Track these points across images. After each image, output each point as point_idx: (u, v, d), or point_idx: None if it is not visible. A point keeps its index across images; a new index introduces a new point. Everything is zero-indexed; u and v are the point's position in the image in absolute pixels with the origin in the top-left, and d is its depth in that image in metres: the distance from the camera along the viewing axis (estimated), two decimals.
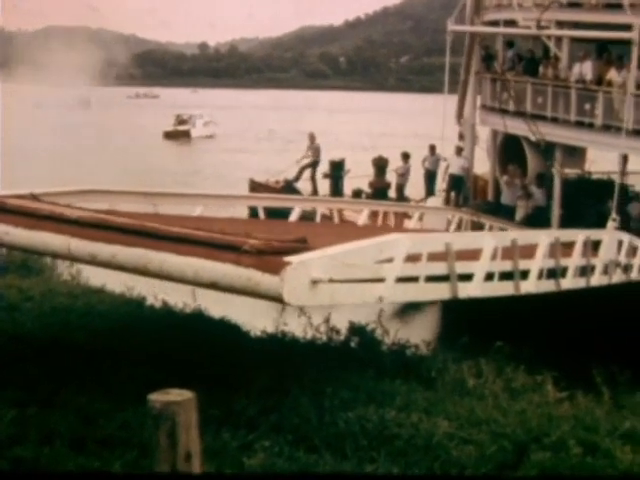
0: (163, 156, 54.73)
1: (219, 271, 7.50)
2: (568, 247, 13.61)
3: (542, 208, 19.80)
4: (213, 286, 7.65)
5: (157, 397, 4.20)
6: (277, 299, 7.47)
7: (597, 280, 14.37)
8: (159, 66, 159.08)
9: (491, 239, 11.58)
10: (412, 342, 10.75)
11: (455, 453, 7.00)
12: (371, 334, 10.69)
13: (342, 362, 9.48)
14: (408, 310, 17.95)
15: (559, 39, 20.24)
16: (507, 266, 11.75)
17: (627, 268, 15.36)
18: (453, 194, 22.51)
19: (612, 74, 18.62)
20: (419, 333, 13.22)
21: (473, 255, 11.01)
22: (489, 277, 11.25)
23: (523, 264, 12.14)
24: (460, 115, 23.22)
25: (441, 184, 23.08)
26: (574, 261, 13.63)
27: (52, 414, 7.31)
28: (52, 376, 8.15)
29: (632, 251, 15.62)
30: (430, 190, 23.15)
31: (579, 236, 14.08)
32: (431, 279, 10.11)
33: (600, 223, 17.13)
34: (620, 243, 15.30)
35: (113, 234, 8.20)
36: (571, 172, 20.95)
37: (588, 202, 19.05)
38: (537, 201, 19.90)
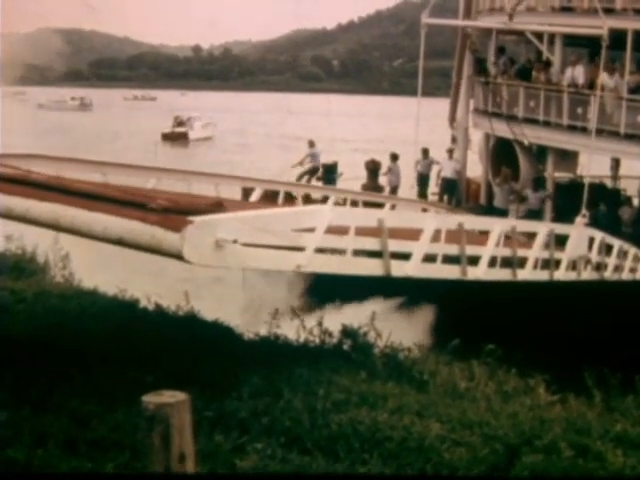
0: (160, 157, 54.68)
1: (125, 227, 7.60)
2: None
3: (535, 212, 19.86)
4: (120, 242, 7.74)
5: (151, 399, 4.20)
6: (178, 257, 7.50)
7: (563, 275, 14.18)
8: (152, 68, 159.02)
9: (432, 220, 11.44)
10: (404, 345, 10.77)
11: (447, 455, 7.01)
12: (364, 337, 10.70)
13: (334, 364, 9.49)
14: (401, 312, 17.97)
15: (551, 43, 20.34)
16: (453, 249, 11.63)
17: (600, 266, 15.18)
18: (446, 197, 22.57)
19: (604, 78, 18.71)
20: (412, 335, 13.24)
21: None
22: (432, 259, 11.15)
23: (474, 250, 12.03)
24: (452, 118, 23.29)
25: (434, 187, 23.14)
26: (534, 252, 13.47)
27: (45, 416, 7.30)
28: (45, 378, 8.14)
29: (606, 250, 15.47)
30: (423, 193, 23.20)
31: (541, 228, 13.90)
32: (369, 255, 10.04)
33: (592, 226, 17.18)
34: (591, 240, 15.13)
35: (29, 189, 8.39)
36: (563, 176, 21.05)
37: (580, 206, 19.12)
38: (531, 205, 19.96)
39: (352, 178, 24.49)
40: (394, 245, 10.33)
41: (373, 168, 24.42)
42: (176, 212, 7.81)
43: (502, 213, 20.17)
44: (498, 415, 8.21)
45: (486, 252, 12.24)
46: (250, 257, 8.28)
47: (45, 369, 8.41)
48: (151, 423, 4.15)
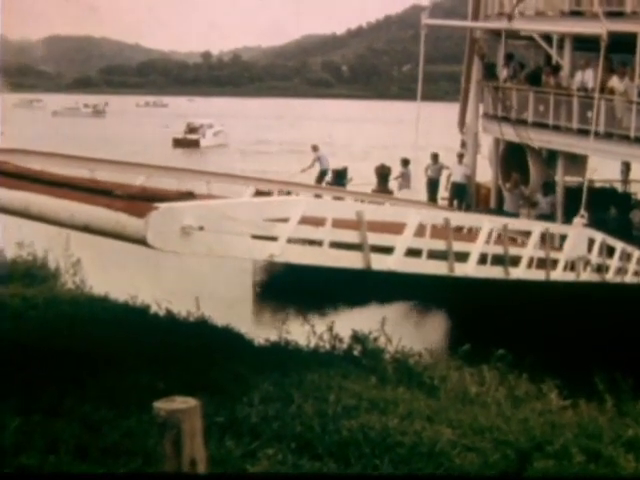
0: (171, 162, 54.72)
1: (91, 214, 7.73)
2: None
3: (546, 216, 19.78)
4: (86, 229, 7.84)
5: (162, 405, 4.21)
6: (142, 242, 7.58)
7: (560, 275, 14.04)
8: (162, 75, 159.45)
9: (416, 214, 11.30)
10: (415, 350, 10.76)
11: (458, 461, 7.00)
12: (374, 342, 10.69)
13: (345, 370, 9.49)
14: (412, 317, 17.97)
15: (561, 47, 20.32)
16: (439, 245, 11.52)
17: (600, 268, 15.02)
18: (456, 202, 22.55)
19: (614, 82, 18.67)
20: (422, 340, 13.23)
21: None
22: (418, 254, 11.07)
23: (463, 246, 11.93)
24: (462, 123, 23.28)
25: (443, 192, 23.13)
26: (528, 251, 13.34)
27: (56, 422, 7.32)
28: (56, 384, 8.16)
29: (608, 252, 15.32)
30: (433, 198, 23.19)
31: (535, 227, 13.75)
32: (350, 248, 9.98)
33: (602, 230, 17.10)
34: (591, 241, 14.98)
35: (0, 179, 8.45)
36: (573, 180, 20.99)
37: (591, 210, 19.06)
38: (542, 210, 19.88)
39: (362, 183, 24.50)
40: (374, 238, 10.21)
41: (383, 173, 24.44)
42: (142, 199, 7.89)
43: (512, 217, 20.10)
44: (509, 420, 8.19)
45: (475, 249, 12.13)
46: (219, 245, 8.30)
47: (56, 375, 8.43)
48: (163, 429, 4.15)
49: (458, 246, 11.81)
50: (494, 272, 12.60)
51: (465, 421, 8.02)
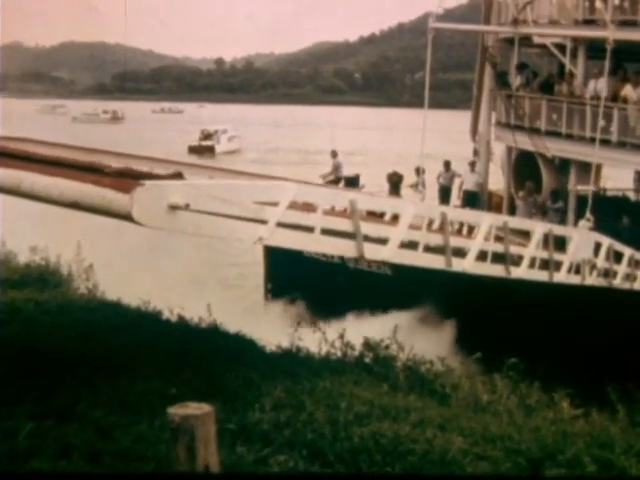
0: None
1: (80, 191, 7.82)
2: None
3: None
4: (75, 205, 7.93)
5: (176, 410, 4.22)
6: (128, 218, 7.67)
7: (564, 277, 13.95)
8: (176, 81, 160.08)
9: (411, 208, 11.23)
10: (426, 358, 10.75)
11: (469, 469, 6.99)
12: (385, 349, 10.69)
13: (356, 377, 9.49)
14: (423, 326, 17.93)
15: (574, 56, 20.29)
16: (436, 239, 11.49)
17: (607, 273, 14.91)
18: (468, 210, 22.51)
19: (627, 90, 18.63)
20: (434, 348, 13.21)
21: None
22: (414, 247, 11.03)
23: (461, 242, 11.85)
24: (474, 131, 23.27)
25: (456, 200, 23.11)
26: (530, 251, 13.24)
27: (69, 427, 7.34)
28: (69, 389, 8.19)
29: (615, 257, 15.22)
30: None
31: (537, 227, 13.67)
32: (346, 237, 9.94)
33: (616, 240, 17.04)
34: (598, 246, 14.89)
35: None
36: (586, 189, 20.91)
37: (603, 219, 19.00)
38: (550, 217, 19.84)
39: (374, 191, 24.46)
40: (369, 228, 10.18)
41: (395, 180, 24.41)
42: (130, 177, 8.00)
43: None
44: (521, 429, 8.17)
45: (474, 244, 12.08)
46: (206, 224, 8.35)
47: (69, 380, 8.46)
48: (176, 434, 4.16)
49: (457, 242, 11.76)
50: (494, 270, 12.53)
51: (477, 429, 8.01)
